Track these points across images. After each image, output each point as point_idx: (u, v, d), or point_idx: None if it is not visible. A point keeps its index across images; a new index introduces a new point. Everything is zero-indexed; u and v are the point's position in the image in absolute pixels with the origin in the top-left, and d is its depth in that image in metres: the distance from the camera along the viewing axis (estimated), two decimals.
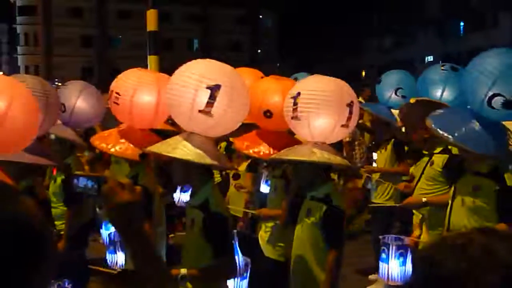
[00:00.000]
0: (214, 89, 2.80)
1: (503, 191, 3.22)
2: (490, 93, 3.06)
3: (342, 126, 3.22)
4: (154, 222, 3.74)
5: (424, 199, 4.00)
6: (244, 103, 3.04)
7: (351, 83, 3.45)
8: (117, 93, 3.67)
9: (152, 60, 6.90)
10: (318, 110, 3.15)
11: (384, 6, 40.27)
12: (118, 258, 4.21)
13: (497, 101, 3.05)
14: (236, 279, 3.51)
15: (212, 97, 2.80)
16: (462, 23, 37.24)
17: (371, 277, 5.58)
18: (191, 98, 2.83)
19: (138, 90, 3.64)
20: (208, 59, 3.11)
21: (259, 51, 50.06)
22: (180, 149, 2.83)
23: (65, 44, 45.25)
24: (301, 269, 3.25)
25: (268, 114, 3.77)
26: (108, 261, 4.28)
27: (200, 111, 2.82)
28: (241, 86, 3.03)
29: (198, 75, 2.85)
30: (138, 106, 3.63)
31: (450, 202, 3.51)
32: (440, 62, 4.66)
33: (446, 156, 4.10)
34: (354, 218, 6.94)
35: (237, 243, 3.55)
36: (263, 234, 4.24)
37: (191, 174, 2.93)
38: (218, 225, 2.82)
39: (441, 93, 4.57)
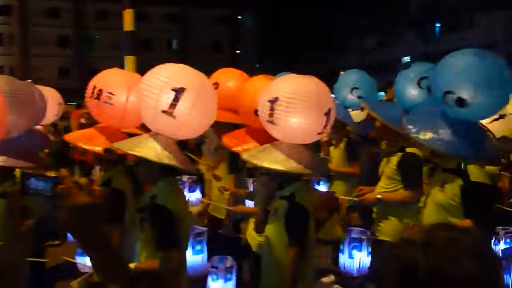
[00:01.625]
0: (178, 92, 2.88)
1: (466, 186, 3.30)
2: (444, 91, 3.13)
3: (318, 134, 3.29)
4: (127, 226, 3.69)
5: (378, 196, 4.10)
6: (210, 107, 3.09)
7: (330, 83, 3.46)
8: (109, 92, 3.63)
9: (129, 60, 6.81)
10: (296, 118, 3.16)
11: (365, 7, 40.62)
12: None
13: (450, 98, 3.12)
14: (220, 280, 3.48)
15: (176, 99, 2.88)
16: (438, 24, 37.73)
17: (325, 279, 5.55)
18: (155, 99, 2.90)
19: (133, 90, 3.62)
20: (181, 64, 3.16)
21: (238, 51, 50.03)
22: (142, 147, 2.92)
23: (42, 44, 44.60)
24: (270, 266, 3.29)
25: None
26: (78, 264, 4.19)
27: (163, 111, 2.89)
28: (208, 91, 3.09)
29: (165, 76, 2.92)
30: (133, 107, 3.60)
31: (424, 198, 3.61)
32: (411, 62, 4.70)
33: (400, 154, 4.16)
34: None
35: (205, 242, 3.58)
36: (252, 232, 4.23)
37: (155, 174, 3.03)
38: (160, 217, 2.92)
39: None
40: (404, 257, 1.10)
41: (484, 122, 3.91)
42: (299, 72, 4.35)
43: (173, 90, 2.89)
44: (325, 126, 3.24)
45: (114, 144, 3.11)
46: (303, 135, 3.24)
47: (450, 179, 3.38)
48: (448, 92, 3.17)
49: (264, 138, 3.73)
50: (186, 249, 3.27)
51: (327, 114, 3.21)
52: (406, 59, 37.17)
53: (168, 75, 2.94)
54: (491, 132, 3.50)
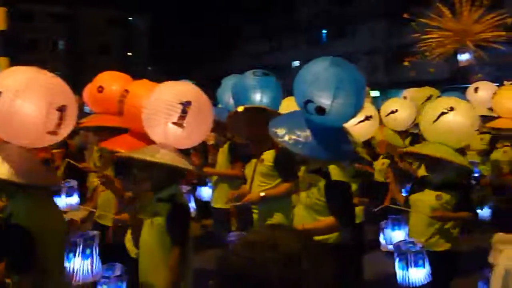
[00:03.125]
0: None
1: (328, 185, 3.50)
2: (305, 100, 3.31)
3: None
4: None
5: (262, 194, 4.22)
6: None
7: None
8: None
9: (1, 62, 6.31)
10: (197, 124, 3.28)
11: (257, 12, 41.55)
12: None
13: (310, 107, 3.31)
14: None
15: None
16: (325, 31, 39.61)
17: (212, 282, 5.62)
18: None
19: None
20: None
21: (130, 53, 48.89)
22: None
23: None
24: (147, 269, 3.26)
25: None
26: None
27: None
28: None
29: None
30: None
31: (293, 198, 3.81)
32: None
33: (273, 151, 4.33)
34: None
35: (96, 246, 3.49)
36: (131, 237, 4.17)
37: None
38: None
39: (260, 97, 4.76)
40: (229, 255, 1.20)
41: (351, 123, 4.27)
42: (192, 76, 4.41)
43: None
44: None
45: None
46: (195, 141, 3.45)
47: (315, 180, 3.57)
48: (308, 101, 3.31)
49: (150, 142, 3.71)
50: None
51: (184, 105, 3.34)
52: (296, 63, 38.60)
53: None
54: (351, 135, 3.74)
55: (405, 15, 14.45)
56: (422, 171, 5.27)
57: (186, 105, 3.18)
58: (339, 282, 1.19)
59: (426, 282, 4.03)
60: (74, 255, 3.43)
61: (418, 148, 4.57)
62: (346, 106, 3.35)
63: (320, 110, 3.28)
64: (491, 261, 3.19)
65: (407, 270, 4.04)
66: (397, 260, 4.09)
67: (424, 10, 15.11)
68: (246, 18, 42.79)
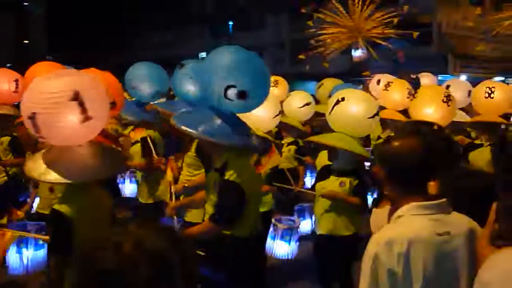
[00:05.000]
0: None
1: (221, 180, 3.55)
2: (225, 86, 3.42)
3: None
4: None
5: (186, 185, 4.43)
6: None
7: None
8: None
9: None
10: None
11: (161, 2, 40.68)
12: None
13: (232, 92, 3.43)
14: None
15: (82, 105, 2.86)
16: (231, 23, 39.72)
17: None
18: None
19: None
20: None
21: (26, 41, 46.04)
22: None
23: None
24: None
25: None
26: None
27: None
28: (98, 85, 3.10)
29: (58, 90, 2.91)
30: None
31: None
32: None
33: (196, 141, 4.56)
34: None
35: None
36: None
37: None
38: None
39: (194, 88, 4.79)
40: (94, 254, 1.17)
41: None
42: (94, 64, 4.37)
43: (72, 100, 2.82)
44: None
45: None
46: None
47: (215, 177, 3.61)
48: (229, 87, 3.41)
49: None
50: None
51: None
52: (203, 54, 38.39)
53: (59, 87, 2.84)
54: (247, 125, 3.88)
55: (303, 10, 14.92)
56: (320, 160, 5.57)
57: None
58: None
59: (288, 257, 4.40)
60: None
61: (318, 137, 4.84)
62: (262, 91, 3.58)
63: (242, 95, 3.40)
64: None
65: (274, 241, 4.42)
66: (271, 230, 4.45)
67: (321, 6, 15.69)
68: (152, 6, 41.79)
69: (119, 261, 1.12)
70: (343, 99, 4.51)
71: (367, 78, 11.55)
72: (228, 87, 3.42)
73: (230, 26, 38.95)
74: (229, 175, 3.47)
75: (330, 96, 6.63)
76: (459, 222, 2.16)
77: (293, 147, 6.52)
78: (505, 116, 6.25)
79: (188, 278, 1.19)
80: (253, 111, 3.84)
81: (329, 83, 8.47)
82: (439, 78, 19.52)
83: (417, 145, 2.16)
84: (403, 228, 2.10)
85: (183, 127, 3.46)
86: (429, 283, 2.02)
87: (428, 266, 2.03)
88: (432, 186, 2.24)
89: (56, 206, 3.07)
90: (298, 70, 25.13)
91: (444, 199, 2.18)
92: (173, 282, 1.16)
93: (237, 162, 3.54)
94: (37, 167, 2.99)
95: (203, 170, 4.50)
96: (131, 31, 42.04)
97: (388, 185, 2.28)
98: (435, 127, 2.36)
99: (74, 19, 42.28)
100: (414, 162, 2.15)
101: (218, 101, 3.48)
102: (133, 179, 6.57)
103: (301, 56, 15.01)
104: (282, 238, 4.54)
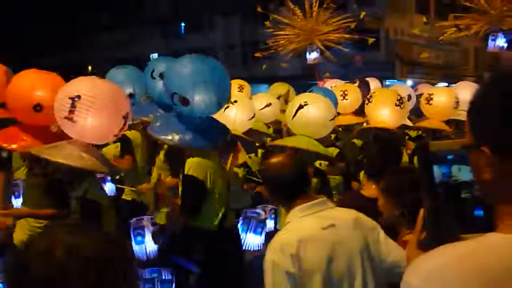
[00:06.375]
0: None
1: (183, 177, 3.82)
2: (171, 93, 3.69)
3: (114, 135, 3.54)
4: None
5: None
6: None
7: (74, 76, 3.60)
8: None
9: None
10: (98, 119, 3.31)
11: (111, 2, 40.01)
12: None
13: (176, 99, 3.67)
14: None
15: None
16: (183, 24, 39.48)
17: None
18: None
19: None
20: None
21: None
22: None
23: None
24: None
25: (38, 108, 3.86)
26: None
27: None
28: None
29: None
30: None
31: None
32: None
33: (166, 146, 4.79)
34: None
35: None
36: None
37: None
38: None
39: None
40: (22, 262, 1.12)
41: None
42: (41, 65, 4.36)
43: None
44: (122, 129, 3.48)
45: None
46: (100, 135, 3.42)
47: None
48: (174, 93, 3.68)
49: (43, 135, 3.72)
50: None
51: (125, 117, 3.43)
52: (155, 55, 37.95)
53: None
54: (223, 125, 4.10)
55: (259, 9, 15.00)
56: None
57: (75, 99, 3.19)
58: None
59: (259, 249, 4.59)
60: None
61: (282, 141, 5.03)
62: (209, 97, 3.70)
63: (184, 101, 3.59)
64: None
65: (246, 234, 4.58)
66: (240, 223, 4.61)
67: (277, 8, 15.80)
68: (102, 6, 40.97)
69: (53, 269, 1.08)
70: (306, 103, 4.67)
71: (318, 82, 11.80)
72: (174, 93, 3.69)
73: (182, 27, 38.75)
74: (188, 169, 3.75)
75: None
76: (343, 214, 2.37)
77: (260, 150, 6.41)
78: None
79: (125, 278, 1.17)
80: (230, 113, 4.41)
81: (280, 87, 8.51)
82: (387, 83, 20.22)
83: (285, 164, 2.37)
84: (292, 230, 2.28)
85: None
86: (327, 275, 2.17)
87: (321, 260, 2.18)
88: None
89: None
90: (250, 73, 25.39)
91: (323, 197, 2.40)
92: (114, 284, 1.14)
93: (196, 159, 3.80)
94: None
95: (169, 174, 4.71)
96: (82, 31, 41.05)
97: (273, 199, 2.56)
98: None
99: (21, 18, 40.88)
100: (286, 179, 2.36)
101: (172, 106, 3.82)
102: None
103: (257, 54, 15.03)
104: (255, 231, 4.70)
